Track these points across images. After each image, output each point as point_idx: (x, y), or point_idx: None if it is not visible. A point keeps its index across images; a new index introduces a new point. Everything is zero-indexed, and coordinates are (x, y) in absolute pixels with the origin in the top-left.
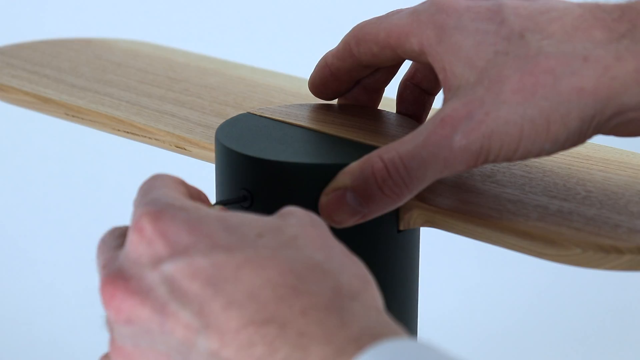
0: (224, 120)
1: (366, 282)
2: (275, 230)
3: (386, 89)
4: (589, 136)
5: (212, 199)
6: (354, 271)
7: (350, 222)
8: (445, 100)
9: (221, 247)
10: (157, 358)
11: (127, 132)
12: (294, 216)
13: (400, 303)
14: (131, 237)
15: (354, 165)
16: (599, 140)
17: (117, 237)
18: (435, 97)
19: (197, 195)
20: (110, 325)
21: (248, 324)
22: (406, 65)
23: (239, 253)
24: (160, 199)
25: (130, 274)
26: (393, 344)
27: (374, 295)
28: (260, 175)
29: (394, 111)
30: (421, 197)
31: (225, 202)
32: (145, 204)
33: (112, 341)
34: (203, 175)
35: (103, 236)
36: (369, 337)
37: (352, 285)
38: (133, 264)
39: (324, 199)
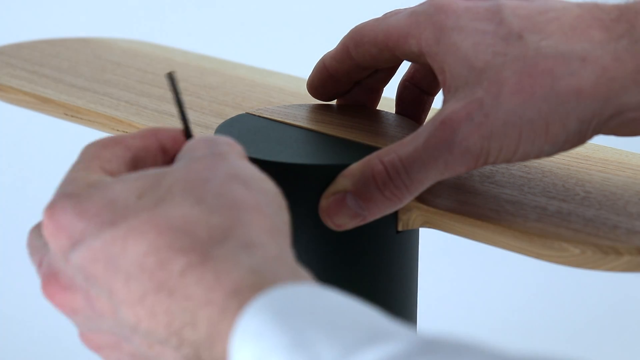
0: (222, 120)
1: (239, 211)
2: (154, 186)
3: (385, 88)
4: (589, 137)
5: None
6: (225, 202)
7: (351, 224)
8: (444, 102)
9: (107, 223)
10: (108, 338)
11: (126, 132)
12: (183, 156)
13: (399, 303)
14: (44, 234)
15: (354, 168)
16: (598, 141)
17: (41, 233)
18: (435, 97)
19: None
20: (69, 318)
21: (145, 294)
22: (405, 65)
23: (123, 224)
24: (59, 189)
25: (57, 269)
26: (275, 293)
27: (249, 225)
28: None
29: (393, 111)
30: (420, 198)
31: None
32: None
33: (78, 332)
34: None
35: (29, 236)
36: (247, 289)
37: (222, 224)
38: (54, 258)
39: (324, 202)
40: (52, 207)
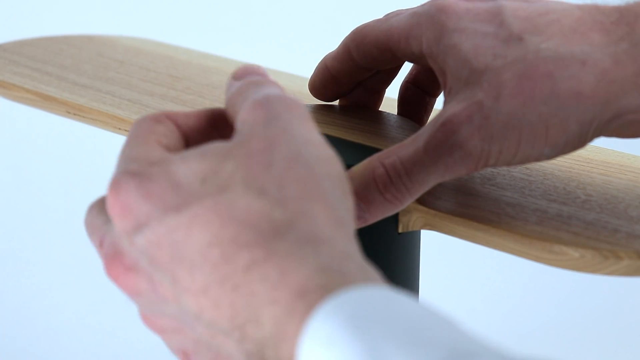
0: None
1: (302, 201)
2: (216, 171)
3: (389, 89)
4: (590, 139)
5: None
6: (287, 193)
7: None
8: (445, 103)
9: (172, 208)
10: (171, 323)
11: (128, 131)
12: (240, 130)
13: None
14: (110, 212)
15: (355, 170)
16: (600, 143)
17: (102, 211)
18: (437, 98)
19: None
20: (132, 300)
21: (209, 285)
22: (408, 66)
23: (187, 211)
24: (119, 165)
25: (121, 249)
26: (346, 296)
27: (314, 218)
28: None
29: (396, 112)
30: (420, 200)
31: None
32: (114, 171)
33: (140, 313)
34: None
35: (88, 213)
36: (315, 290)
37: (285, 217)
38: (119, 238)
39: None
40: (117, 186)
